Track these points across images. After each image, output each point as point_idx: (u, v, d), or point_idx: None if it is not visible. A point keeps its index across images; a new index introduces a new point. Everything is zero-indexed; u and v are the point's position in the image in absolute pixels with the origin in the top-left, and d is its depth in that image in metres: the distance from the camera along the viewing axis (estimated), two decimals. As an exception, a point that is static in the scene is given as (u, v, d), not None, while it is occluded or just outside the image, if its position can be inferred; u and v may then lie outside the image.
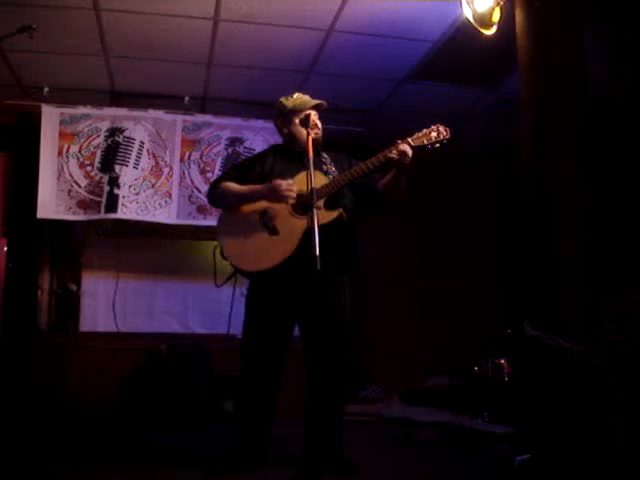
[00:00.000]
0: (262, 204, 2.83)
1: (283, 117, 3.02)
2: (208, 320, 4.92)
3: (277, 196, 2.77)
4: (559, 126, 2.53)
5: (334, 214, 2.75)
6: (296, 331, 2.95)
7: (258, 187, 2.85)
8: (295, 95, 3.03)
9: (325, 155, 2.98)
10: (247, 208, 2.86)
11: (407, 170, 2.81)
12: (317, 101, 2.98)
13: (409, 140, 2.79)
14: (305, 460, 2.81)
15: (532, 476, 2.47)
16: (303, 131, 2.89)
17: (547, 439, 2.36)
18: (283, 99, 3.04)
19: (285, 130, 3.03)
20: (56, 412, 4.25)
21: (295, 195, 2.76)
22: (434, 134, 2.80)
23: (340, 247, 2.82)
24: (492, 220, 5.40)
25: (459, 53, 3.88)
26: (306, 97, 3.02)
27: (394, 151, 2.74)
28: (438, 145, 2.81)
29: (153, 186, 4.57)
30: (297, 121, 2.95)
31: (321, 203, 2.71)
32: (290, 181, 2.78)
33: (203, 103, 4.80)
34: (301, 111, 2.95)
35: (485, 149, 5.33)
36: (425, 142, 2.80)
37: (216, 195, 2.99)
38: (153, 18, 3.61)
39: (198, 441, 3.71)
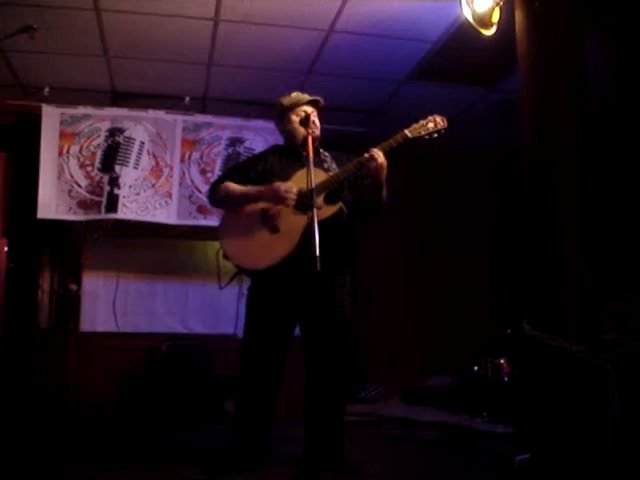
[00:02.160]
0: (262, 203, 2.83)
1: (281, 116, 3.04)
2: (208, 320, 4.93)
3: (277, 199, 2.76)
4: (559, 126, 2.53)
5: (334, 208, 2.73)
6: (297, 331, 2.95)
7: (259, 188, 2.85)
8: (293, 94, 3.05)
9: (326, 153, 2.98)
10: (248, 208, 2.86)
11: (376, 176, 2.75)
12: (312, 97, 2.98)
13: (406, 132, 2.78)
14: (305, 460, 2.81)
15: (532, 476, 2.47)
16: (299, 128, 2.91)
17: (547, 439, 2.35)
18: (281, 98, 3.06)
19: (282, 128, 3.06)
20: (56, 412, 4.26)
21: (295, 197, 2.73)
22: (431, 124, 2.79)
23: (340, 244, 2.81)
24: (492, 220, 5.41)
25: (459, 53, 3.88)
26: (304, 95, 3.02)
27: (365, 154, 2.72)
28: (436, 135, 2.79)
29: (153, 186, 4.58)
30: (293, 118, 2.96)
31: (321, 200, 2.68)
32: (289, 184, 2.77)
33: (203, 103, 4.79)
34: (296, 107, 2.96)
35: (485, 149, 5.34)
36: (422, 133, 2.78)
37: (217, 196, 2.99)
38: (153, 18, 3.61)
39: (198, 441, 3.71)
